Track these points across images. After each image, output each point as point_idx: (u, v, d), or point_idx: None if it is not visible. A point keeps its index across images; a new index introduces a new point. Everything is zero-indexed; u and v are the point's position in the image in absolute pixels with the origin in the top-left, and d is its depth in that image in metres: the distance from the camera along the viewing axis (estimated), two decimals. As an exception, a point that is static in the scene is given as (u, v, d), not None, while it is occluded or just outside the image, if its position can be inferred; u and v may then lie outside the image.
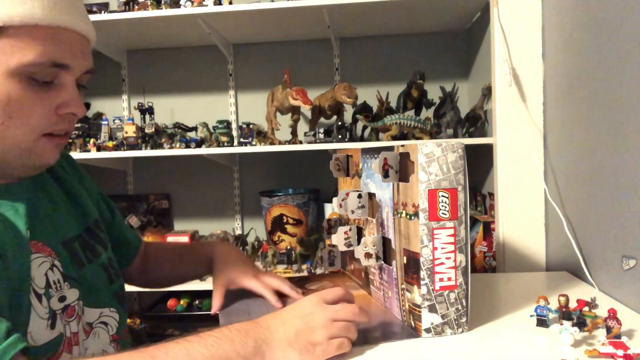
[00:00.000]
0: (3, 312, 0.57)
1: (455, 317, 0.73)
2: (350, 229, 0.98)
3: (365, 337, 0.72)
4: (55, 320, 0.65)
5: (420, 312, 0.72)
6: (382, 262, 0.85)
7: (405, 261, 0.76)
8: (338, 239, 0.97)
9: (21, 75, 0.59)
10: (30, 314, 0.62)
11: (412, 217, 0.73)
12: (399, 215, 0.78)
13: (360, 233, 0.99)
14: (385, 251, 0.86)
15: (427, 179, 0.71)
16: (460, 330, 0.74)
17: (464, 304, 0.74)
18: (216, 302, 0.87)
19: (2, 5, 0.57)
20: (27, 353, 0.55)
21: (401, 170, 0.78)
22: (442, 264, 0.72)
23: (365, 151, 0.94)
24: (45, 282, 0.65)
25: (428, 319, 0.72)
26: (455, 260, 0.72)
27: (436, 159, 0.71)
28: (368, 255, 0.84)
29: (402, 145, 0.77)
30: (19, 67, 0.58)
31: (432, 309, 0.72)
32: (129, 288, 0.92)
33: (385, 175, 0.78)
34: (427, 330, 0.72)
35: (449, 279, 0.72)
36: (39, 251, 0.66)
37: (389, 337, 0.73)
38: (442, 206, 0.72)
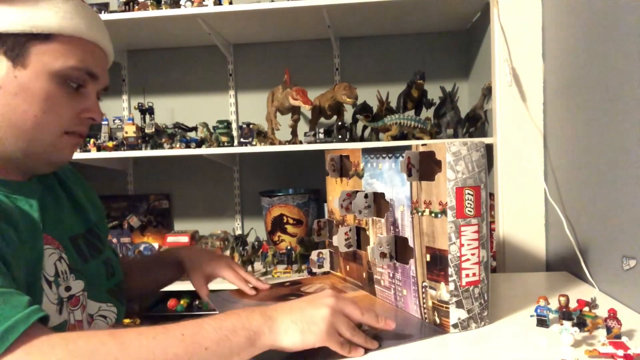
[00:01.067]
0: (22, 291, 0.62)
1: (478, 311, 0.75)
2: (350, 230, 0.98)
3: (388, 335, 0.71)
4: (62, 306, 0.71)
5: (448, 308, 0.73)
6: (396, 261, 0.85)
7: (428, 259, 0.77)
8: (339, 240, 0.97)
9: (60, 77, 0.69)
10: (43, 298, 0.68)
11: (439, 215, 0.74)
12: (419, 213, 0.78)
13: (359, 233, 0.99)
14: (397, 250, 0.86)
15: (455, 177, 0.72)
16: (483, 323, 0.76)
17: (486, 297, 0.76)
18: (203, 291, 0.97)
19: (55, 17, 0.68)
20: (46, 323, 0.59)
21: (421, 169, 0.79)
22: (467, 260, 0.73)
23: (367, 151, 0.94)
24: (54, 271, 0.71)
25: (455, 314, 0.73)
26: (479, 256, 0.74)
27: (462, 158, 0.72)
28: (383, 255, 0.84)
29: (424, 144, 0.77)
30: (62, 70, 0.68)
31: (459, 304, 0.74)
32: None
33: (409, 174, 0.79)
34: (455, 326, 0.73)
35: (474, 274, 0.74)
36: (49, 243, 0.72)
37: (413, 334, 0.73)
38: (468, 203, 0.73)
